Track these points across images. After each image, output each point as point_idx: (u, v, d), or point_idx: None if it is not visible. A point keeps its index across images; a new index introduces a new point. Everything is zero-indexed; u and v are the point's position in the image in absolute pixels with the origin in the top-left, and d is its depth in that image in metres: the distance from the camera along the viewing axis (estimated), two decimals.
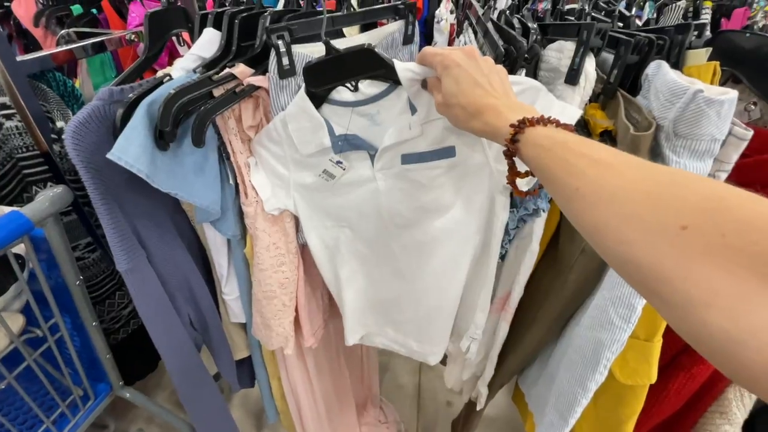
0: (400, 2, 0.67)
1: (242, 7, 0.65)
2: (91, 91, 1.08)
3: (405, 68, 0.46)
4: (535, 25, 0.58)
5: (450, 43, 1.05)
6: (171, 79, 0.55)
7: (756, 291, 0.20)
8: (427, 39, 1.21)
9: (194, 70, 0.57)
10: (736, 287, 0.20)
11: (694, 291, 0.22)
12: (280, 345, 0.72)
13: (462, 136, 0.52)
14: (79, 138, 0.47)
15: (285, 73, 0.57)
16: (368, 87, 0.55)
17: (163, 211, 0.68)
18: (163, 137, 0.48)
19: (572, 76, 0.52)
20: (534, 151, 0.34)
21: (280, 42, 0.57)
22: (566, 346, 0.64)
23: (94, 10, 1.29)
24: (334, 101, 0.57)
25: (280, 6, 1.06)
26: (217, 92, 0.57)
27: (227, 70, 0.58)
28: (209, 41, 0.61)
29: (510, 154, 0.37)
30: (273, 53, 0.56)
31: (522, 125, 0.35)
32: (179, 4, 0.84)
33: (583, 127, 0.56)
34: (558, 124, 0.35)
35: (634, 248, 0.25)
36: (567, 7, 0.83)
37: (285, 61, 0.57)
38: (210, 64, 0.59)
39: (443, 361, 1.38)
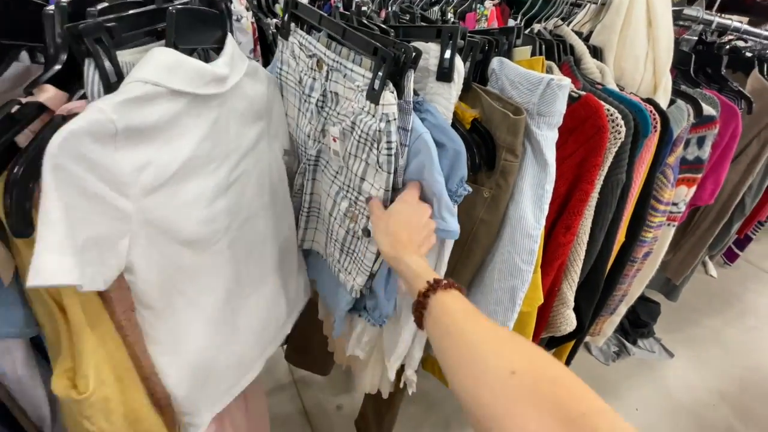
0: None
1: None
2: None
3: None
4: (392, 30, 0.61)
5: (255, 44, 0.97)
6: None
7: (552, 429, 0.28)
8: None
9: None
10: (541, 428, 0.28)
11: (514, 429, 0.30)
12: None
13: None
14: None
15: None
16: None
17: None
18: None
19: (445, 74, 0.58)
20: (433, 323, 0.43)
21: (99, 49, 0.40)
22: (476, 304, 0.75)
23: None
24: None
25: None
26: (24, 140, 0.35)
27: (30, 97, 0.36)
28: None
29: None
30: (90, 67, 0.39)
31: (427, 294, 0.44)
32: None
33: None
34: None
35: (479, 385, 0.34)
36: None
37: (112, 77, 0.41)
38: None
39: (324, 372, 1.36)
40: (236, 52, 0.58)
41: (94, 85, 0.40)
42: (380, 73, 0.53)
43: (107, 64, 0.40)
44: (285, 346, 1.40)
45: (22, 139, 0.36)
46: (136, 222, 0.42)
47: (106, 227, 0.39)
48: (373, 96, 0.54)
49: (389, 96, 0.53)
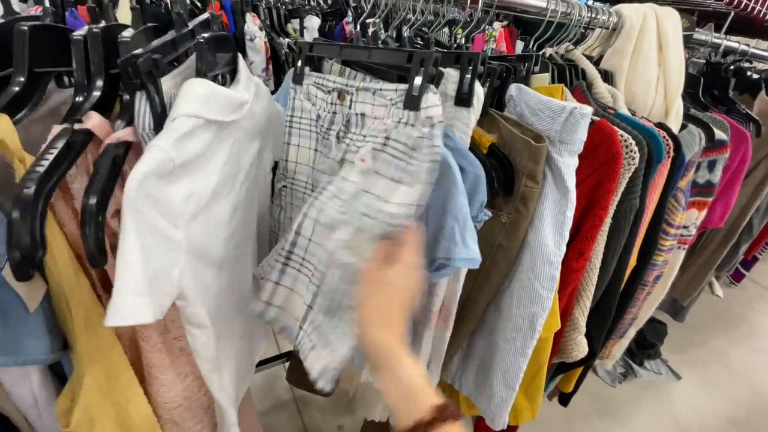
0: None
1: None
2: None
3: None
4: None
5: (267, 62, 0.97)
6: None
7: None
8: None
9: None
10: None
11: None
12: None
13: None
14: None
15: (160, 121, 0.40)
16: None
17: None
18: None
19: (465, 99, 0.58)
20: None
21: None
22: (491, 330, 0.73)
23: None
24: None
25: None
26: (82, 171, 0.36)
27: (79, 125, 0.36)
28: None
29: None
30: (141, 100, 0.39)
31: None
32: None
33: None
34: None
35: None
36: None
37: (160, 107, 0.40)
38: None
39: (324, 394, 1.33)
40: (247, 74, 0.59)
41: (146, 117, 0.40)
42: (418, 77, 0.49)
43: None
44: (287, 366, 1.37)
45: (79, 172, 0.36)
46: (183, 250, 0.43)
47: (164, 259, 0.41)
48: (413, 102, 0.50)
49: (433, 97, 0.49)
